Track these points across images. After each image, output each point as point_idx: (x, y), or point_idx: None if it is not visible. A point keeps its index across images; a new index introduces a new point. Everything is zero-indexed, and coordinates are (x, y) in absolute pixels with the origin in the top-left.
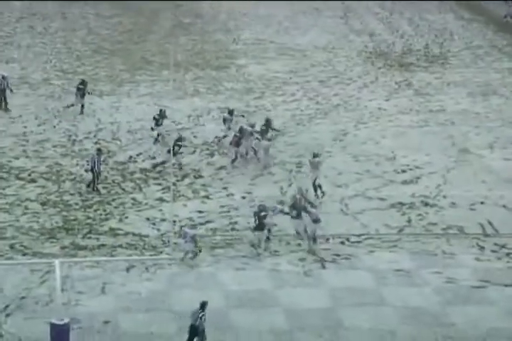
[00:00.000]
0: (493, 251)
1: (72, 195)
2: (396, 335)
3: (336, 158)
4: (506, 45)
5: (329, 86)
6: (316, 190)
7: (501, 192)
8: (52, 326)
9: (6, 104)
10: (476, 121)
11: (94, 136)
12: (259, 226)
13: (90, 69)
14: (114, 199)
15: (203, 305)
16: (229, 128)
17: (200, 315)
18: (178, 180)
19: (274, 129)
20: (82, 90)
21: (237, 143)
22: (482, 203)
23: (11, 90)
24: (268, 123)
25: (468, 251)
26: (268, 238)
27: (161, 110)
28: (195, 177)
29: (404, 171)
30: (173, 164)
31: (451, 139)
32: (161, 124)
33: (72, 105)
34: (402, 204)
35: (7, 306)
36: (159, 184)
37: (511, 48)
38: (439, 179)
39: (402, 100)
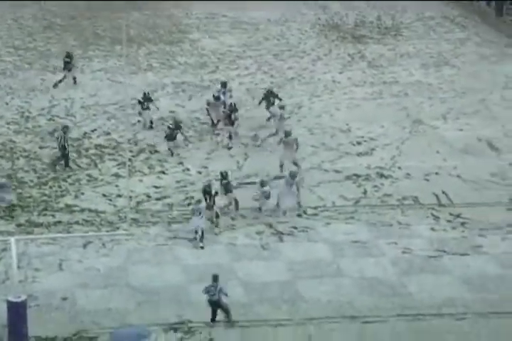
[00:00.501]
0: (448, 221)
1: (26, 172)
2: (354, 306)
3: (292, 131)
4: (458, 16)
5: (283, 59)
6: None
7: (455, 162)
8: (10, 303)
9: None
10: (429, 92)
11: (48, 113)
12: (208, 205)
13: (42, 45)
14: (69, 176)
15: (216, 278)
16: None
17: (219, 288)
18: (133, 156)
19: (277, 97)
20: (69, 63)
21: (229, 119)
22: (436, 173)
23: None
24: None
25: (423, 221)
26: (217, 216)
27: (145, 93)
28: (150, 152)
29: (359, 143)
30: (169, 149)
31: (405, 110)
32: (148, 108)
33: (61, 80)
34: (357, 176)
35: None
36: (115, 159)
37: (463, 19)
38: (394, 150)
39: (355, 72)
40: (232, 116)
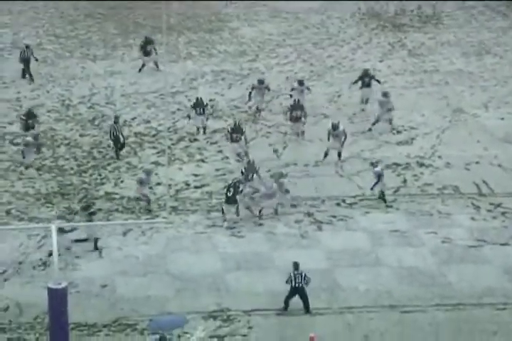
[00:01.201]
0: (489, 211)
1: (67, 159)
2: (393, 295)
3: (331, 119)
4: (499, 4)
5: (323, 48)
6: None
7: (496, 151)
8: (50, 290)
9: (31, 74)
10: (470, 80)
11: (88, 101)
12: (231, 200)
13: (83, 34)
14: (109, 164)
15: (297, 266)
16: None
17: (303, 275)
18: (173, 144)
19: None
20: (144, 48)
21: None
22: (477, 163)
23: (36, 59)
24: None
25: (463, 210)
26: (237, 213)
27: (197, 98)
28: (190, 140)
29: (399, 132)
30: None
31: (446, 99)
32: (203, 113)
33: (143, 65)
34: (397, 165)
35: (4, 271)
36: (154, 147)
37: (505, 7)
38: (434, 139)
39: (396, 61)
40: (295, 114)
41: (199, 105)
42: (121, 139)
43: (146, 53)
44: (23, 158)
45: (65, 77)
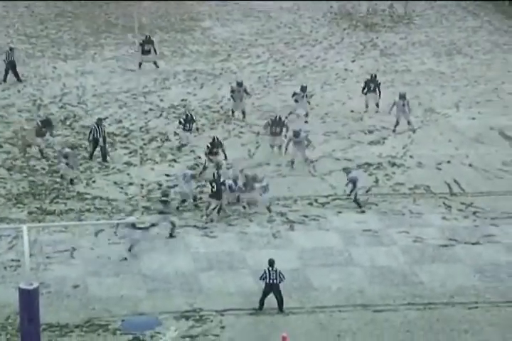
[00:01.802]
0: (460, 210)
1: (38, 159)
2: (365, 295)
3: (303, 119)
4: (470, 4)
5: (295, 47)
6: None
7: (467, 151)
8: (22, 291)
9: (18, 75)
10: (442, 80)
11: (60, 101)
12: (216, 195)
13: (54, 33)
14: (81, 164)
15: (272, 263)
16: (296, 101)
17: (278, 272)
18: (145, 144)
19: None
20: (143, 46)
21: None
22: (448, 162)
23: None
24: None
25: (435, 210)
26: (220, 208)
27: (187, 115)
28: (162, 140)
29: (370, 132)
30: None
31: (417, 99)
32: (190, 129)
33: (141, 64)
34: (369, 164)
35: None
36: (126, 148)
37: (475, 6)
38: (406, 139)
39: (367, 61)
40: (275, 129)
41: (189, 121)
42: (101, 142)
43: (145, 52)
44: (66, 169)
45: (36, 76)
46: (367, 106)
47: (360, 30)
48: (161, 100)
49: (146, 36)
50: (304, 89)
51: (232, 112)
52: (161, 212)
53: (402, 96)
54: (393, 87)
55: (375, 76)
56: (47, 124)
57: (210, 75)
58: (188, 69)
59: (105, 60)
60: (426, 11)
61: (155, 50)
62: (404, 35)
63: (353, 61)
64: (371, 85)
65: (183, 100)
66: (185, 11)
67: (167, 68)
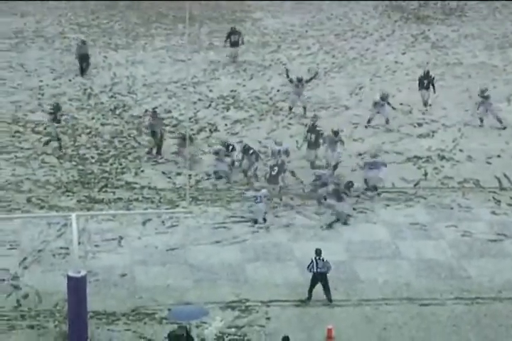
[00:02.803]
0: (509, 205)
1: (88, 148)
2: (411, 288)
3: (352, 111)
4: None
5: (345, 39)
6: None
7: None
8: (69, 278)
9: (85, 69)
10: (493, 73)
11: (110, 90)
12: (273, 179)
13: (105, 23)
14: (130, 153)
15: (319, 252)
16: (377, 112)
17: (325, 261)
18: (193, 134)
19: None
20: (229, 38)
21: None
22: (498, 156)
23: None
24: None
25: (484, 204)
26: (280, 191)
27: (228, 145)
28: (210, 131)
29: (420, 125)
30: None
31: (468, 92)
32: (234, 150)
33: (230, 56)
34: (418, 158)
35: (24, 259)
36: (175, 137)
37: None
38: (456, 132)
39: (418, 53)
40: (310, 137)
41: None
42: (159, 135)
43: (232, 44)
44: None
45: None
46: (425, 104)
47: (412, 22)
48: (210, 90)
49: (232, 28)
50: (384, 97)
51: (290, 108)
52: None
53: (485, 97)
54: (444, 80)
55: (428, 72)
56: (57, 109)
57: (260, 66)
58: (238, 60)
59: (155, 50)
60: (478, 3)
61: (242, 41)
62: (456, 27)
63: (404, 53)
64: (424, 81)
65: (232, 91)
66: (235, 2)
67: (217, 59)
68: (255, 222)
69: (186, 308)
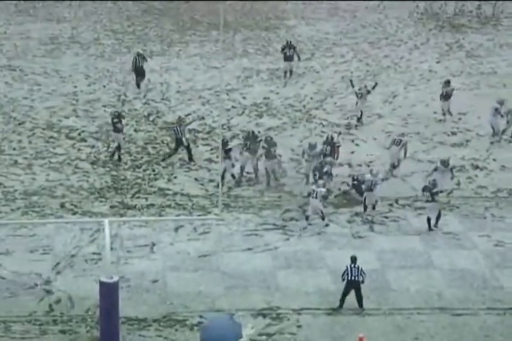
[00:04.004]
0: None
1: (121, 154)
2: (443, 298)
3: (386, 120)
4: None
5: (379, 47)
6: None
7: None
8: (102, 284)
9: (139, 83)
10: None
11: (144, 97)
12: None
13: (140, 30)
14: (163, 160)
15: (355, 260)
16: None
17: (360, 269)
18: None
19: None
20: (284, 51)
21: None
22: None
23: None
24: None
25: None
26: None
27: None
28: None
29: (454, 134)
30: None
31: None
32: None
33: (285, 72)
34: (452, 167)
35: (57, 264)
36: (208, 144)
37: None
38: (489, 142)
39: (453, 62)
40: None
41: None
42: (184, 141)
43: (286, 58)
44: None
45: (122, 72)
46: (444, 114)
47: (447, 30)
48: (244, 98)
49: (287, 41)
50: (502, 103)
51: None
52: None
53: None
54: (478, 89)
55: (449, 82)
56: (120, 118)
57: (294, 74)
58: (271, 68)
59: (189, 56)
60: None
61: (298, 56)
62: (492, 36)
63: (438, 62)
64: (443, 91)
65: (265, 98)
66: (270, 9)
67: (251, 66)
68: (307, 218)
69: (222, 317)
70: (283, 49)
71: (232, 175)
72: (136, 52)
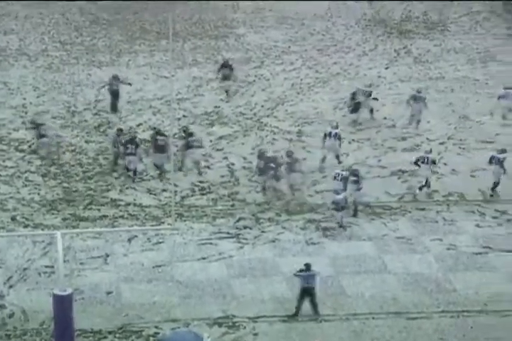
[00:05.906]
0: (494, 218)
1: (72, 166)
2: (398, 302)
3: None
4: (505, 11)
5: (328, 54)
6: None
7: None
8: (55, 297)
9: (116, 105)
10: (476, 87)
11: (94, 108)
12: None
13: (88, 40)
14: (114, 170)
15: (309, 266)
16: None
17: (315, 276)
18: (178, 150)
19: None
20: (220, 71)
21: None
22: (483, 170)
23: (130, 84)
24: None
25: (469, 217)
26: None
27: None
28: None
29: (404, 139)
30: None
31: (451, 106)
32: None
33: (227, 91)
34: (402, 171)
35: (10, 277)
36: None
37: (510, 14)
38: (440, 146)
39: (401, 68)
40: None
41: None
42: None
43: (223, 77)
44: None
45: (71, 83)
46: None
47: (394, 37)
48: (195, 107)
49: (224, 60)
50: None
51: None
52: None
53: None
54: (427, 95)
55: (420, 91)
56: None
57: (244, 82)
58: (221, 76)
59: (139, 66)
60: (460, 17)
61: (234, 77)
62: (439, 42)
63: (387, 68)
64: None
65: (216, 107)
66: (219, 17)
67: (200, 75)
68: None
69: (184, 333)
70: (219, 69)
71: (134, 171)
72: (112, 75)
